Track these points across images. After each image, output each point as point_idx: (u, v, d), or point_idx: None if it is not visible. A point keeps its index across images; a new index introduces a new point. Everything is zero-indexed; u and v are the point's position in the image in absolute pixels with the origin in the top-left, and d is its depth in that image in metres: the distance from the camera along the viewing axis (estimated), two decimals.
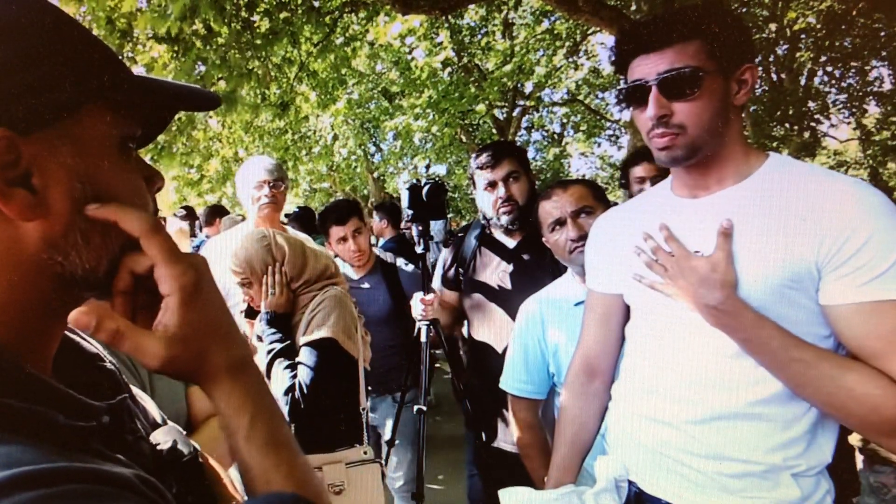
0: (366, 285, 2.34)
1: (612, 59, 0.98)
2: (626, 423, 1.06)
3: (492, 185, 1.77)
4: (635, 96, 0.93)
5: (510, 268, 1.81)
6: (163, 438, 0.51)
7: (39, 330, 0.42)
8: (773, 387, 0.88)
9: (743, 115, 0.97)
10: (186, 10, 3.21)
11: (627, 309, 1.10)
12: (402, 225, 4.25)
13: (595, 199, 1.41)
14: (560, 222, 1.40)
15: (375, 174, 13.83)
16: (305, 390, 1.42)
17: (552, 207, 1.41)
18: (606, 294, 1.13)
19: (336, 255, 2.38)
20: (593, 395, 1.16)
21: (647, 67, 0.90)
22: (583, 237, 1.34)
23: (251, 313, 1.64)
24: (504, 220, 1.77)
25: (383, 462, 1.92)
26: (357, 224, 2.24)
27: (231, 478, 0.56)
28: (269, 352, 1.49)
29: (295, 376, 1.44)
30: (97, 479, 0.34)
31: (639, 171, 2.55)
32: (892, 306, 0.79)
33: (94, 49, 0.42)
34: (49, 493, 0.30)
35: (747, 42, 0.93)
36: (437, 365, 4.41)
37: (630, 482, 1.03)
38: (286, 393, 1.42)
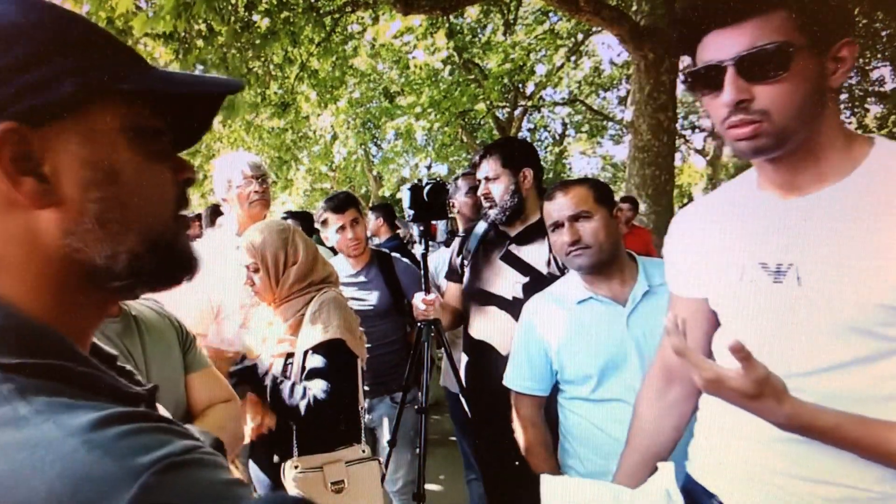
0: (362, 278, 2.32)
1: (677, 35, 0.81)
2: (713, 438, 0.96)
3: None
4: (707, 79, 0.78)
5: (512, 268, 1.81)
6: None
7: (77, 316, 0.44)
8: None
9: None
10: (180, 7, 3.21)
11: (715, 313, 0.98)
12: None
13: (596, 201, 1.40)
14: (558, 225, 1.40)
15: (375, 173, 13.83)
16: (328, 397, 1.41)
17: (552, 209, 1.42)
18: (689, 298, 1.01)
19: (335, 253, 2.38)
20: (670, 404, 1.05)
21: (722, 46, 0.75)
22: (576, 242, 1.35)
23: None
24: (492, 213, 1.84)
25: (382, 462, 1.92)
26: (355, 214, 2.25)
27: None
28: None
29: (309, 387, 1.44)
30: (170, 424, 0.39)
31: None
32: None
33: (101, 43, 0.43)
34: (143, 426, 0.36)
35: (847, 12, 0.78)
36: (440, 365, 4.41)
37: (712, 495, 0.93)
38: (303, 396, 1.43)
